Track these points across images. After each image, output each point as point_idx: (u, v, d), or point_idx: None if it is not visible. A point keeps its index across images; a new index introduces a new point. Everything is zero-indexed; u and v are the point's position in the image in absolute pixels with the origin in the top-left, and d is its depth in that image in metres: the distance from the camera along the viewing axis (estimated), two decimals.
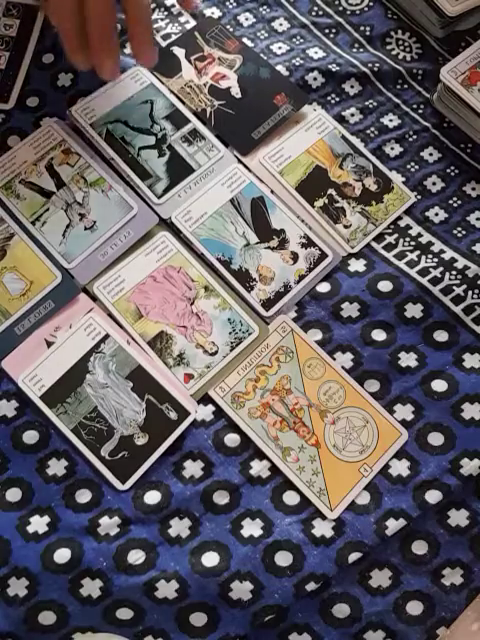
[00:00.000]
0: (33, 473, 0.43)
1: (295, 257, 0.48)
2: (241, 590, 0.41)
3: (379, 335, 0.47)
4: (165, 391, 0.44)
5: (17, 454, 0.43)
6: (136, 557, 0.41)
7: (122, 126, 0.50)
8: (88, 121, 0.50)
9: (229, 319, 0.46)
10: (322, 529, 0.42)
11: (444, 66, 0.52)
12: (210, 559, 0.41)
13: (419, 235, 0.50)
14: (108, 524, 0.42)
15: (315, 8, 0.57)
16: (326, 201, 0.50)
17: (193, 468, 0.43)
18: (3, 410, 0.44)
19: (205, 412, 0.44)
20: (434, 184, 0.52)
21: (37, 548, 0.41)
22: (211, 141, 0.51)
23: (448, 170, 0.53)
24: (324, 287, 0.48)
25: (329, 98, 0.54)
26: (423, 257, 0.49)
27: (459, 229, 0.51)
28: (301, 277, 0.48)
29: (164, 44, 0.54)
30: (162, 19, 0.55)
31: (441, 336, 0.47)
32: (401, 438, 0.44)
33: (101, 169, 0.49)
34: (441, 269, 0.49)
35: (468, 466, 0.44)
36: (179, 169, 0.50)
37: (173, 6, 0.56)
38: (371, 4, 0.57)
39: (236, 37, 0.54)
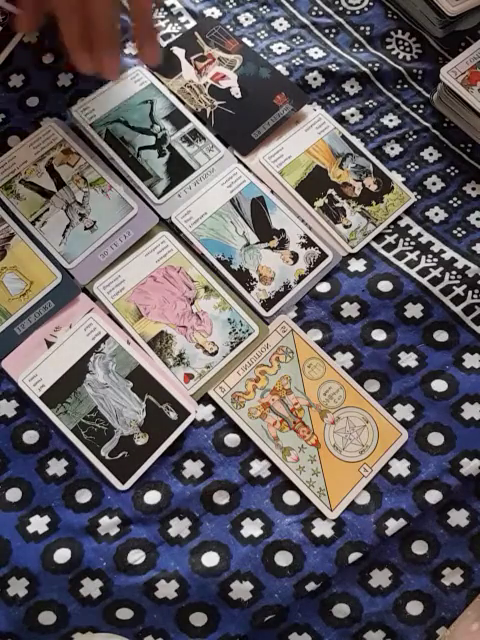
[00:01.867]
0: (33, 473, 0.43)
1: (295, 257, 0.48)
2: (241, 590, 0.41)
3: (379, 335, 0.47)
4: (165, 391, 0.44)
5: (17, 454, 0.43)
6: (136, 557, 0.41)
7: (122, 126, 0.50)
8: (88, 121, 0.50)
9: (229, 319, 0.46)
10: (322, 529, 0.42)
11: (444, 66, 0.52)
12: (210, 559, 0.41)
13: (419, 235, 0.50)
14: (108, 524, 0.42)
15: (315, 8, 0.57)
16: (326, 201, 0.50)
17: (193, 468, 0.43)
18: (3, 410, 0.44)
19: (205, 412, 0.44)
20: (434, 184, 0.52)
21: (37, 548, 0.41)
22: (211, 141, 0.51)
23: (448, 170, 0.53)
24: (324, 287, 0.48)
25: (329, 98, 0.54)
26: (423, 257, 0.49)
27: (459, 229, 0.51)
28: (301, 277, 0.48)
29: (164, 44, 0.54)
30: (162, 19, 0.55)
31: (441, 336, 0.47)
32: (401, 438, 0.44)
33: (101, 169, 0.49)
34: (441, 269, 0.49)
35: (468, 466, 0.44)
36: (179, 169, 0.50)
37: (173, 6, 0.56)
38: (371, 4, 0.58)
39: (236, 37, 0.54)
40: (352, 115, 0.54)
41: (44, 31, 0.53)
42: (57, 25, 0.44)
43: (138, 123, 0.51)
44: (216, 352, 0.45)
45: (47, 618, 0.40)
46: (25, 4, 0.47)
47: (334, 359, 0.46)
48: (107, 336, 0.45)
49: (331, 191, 0.51)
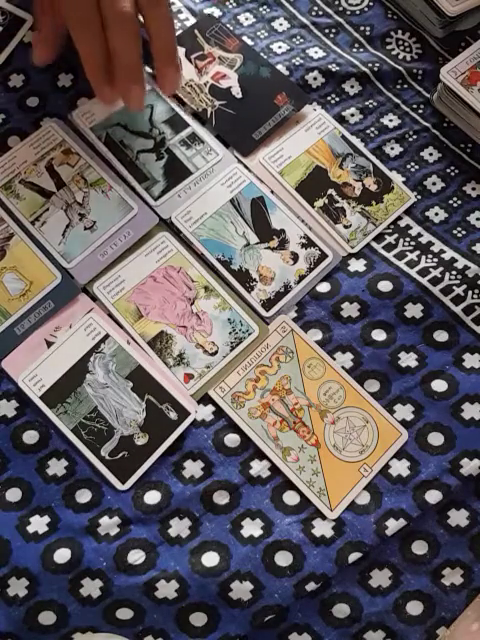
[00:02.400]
0: (33, 473, 0.43)
1: (295, 257, 0.48)
2: (241, 590, 0.41)
3: (379, 335, 0.47)
4: (165, 391, 0.44)
5: (17, 454, 0.43)
6: (136, 557, 0.41)
7: (121, 130, 0.50)
8: (88, 125, 0.50)
9: (229, 319, 0.46)
10: (322, 529, 0.42)
11: (444, 66, 0.52)
12: (210, 559, 0.41)
13: (419, 235, 0.50)
14: (108, 524, 0.42)
15: (315, 8, 0.57)
16: (326, 201, 0.50)
17: (193, 468, 0.43)
18: (3, 410, 0.44)
19: (205, 412, 0.44)
20: (434, 184, 0.52)
21: (37, 548, 0.41)
22: (210, 144, 0.51)
23: (448, 170, 0.53)
24: (324, 287, 0.48)
25: (329, 98, 0.54)
26: (423, 257, 0.49)
27: (459, 229, 0.51)
28: (301, 277, 0.48)
29: None
30: None
31: (441, 336, 0.47)
32: (401, 438, 0.44)
33: (101, 169, 0.49)
34: (441, 269, 0.49)
35: (468, 466, 0.44)
36: (176, 172, 0.50)
37: (172, 4, 0.56)
38: (371, 4, 0.57)
39: (236, 35, 0.54)
40: (352, 115, 0.54)
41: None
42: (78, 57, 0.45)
43: (137, 127, 0.51)
44: (216, 352, 0.45)
45: (47, 618, 0.40)
46: (43, 34, 0.47)
47: (334, 359, 0.46)
48: (107, 336, 0.45)
49: (331, 191, 0.51)
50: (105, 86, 0.45)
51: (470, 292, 0.48)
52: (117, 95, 0.46)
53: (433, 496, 0.43)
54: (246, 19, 0.56)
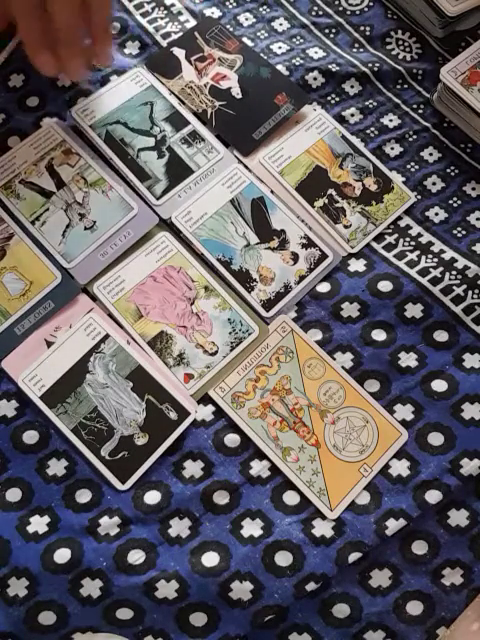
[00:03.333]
0: (33, 473, 0.43)
1: (295, 257, 0.48)
2: (241, 590, 0.41)
3: (379, 335, 0.47)
4: (165, 391, 0.44)
5: (17, 454, 0.43)
6: (136, 557, 0.41)
7: (122, 128, 0.50)
8: (88, 122, 0.50)
9: (229, 319, 0.46)
10: (322, 529, 0.42)
11: (444, 66, 0.52)
12: (210, 559, 0.41)
13: (419, 235, 0.50)
14: (108, 524, 0.42)
15: (315, 8, 0.57)
16: (326, 201, 0.50)
17: (193, 468, 0.43)
18: (3, 410, 0.44)
19: (205, 412, 0.44)
20: (434, 184, 0.52)
21: (37, 548, 0.41)
22: (211, 142, 0.51)
23: (448, 170, 0.53)
24: (324, 287, 0.48)
25: (329, 98, 0.54)
26: (423, 257, 0.49)
27: (459, 229, 0.51)
28: (301, 277, 0.48)
29: (164, 43, 0.54)
30: (162, 18, 0.55)
31: (441, 336, 0.47)
32: (401, 438, 0.44)
33: (101, 169, 0.49)
34: (441, 269, 0.49)
35: (468, 466, 0.44)
36: (178, 170, 0.50)
37: (173, 5, 0.56)
38: (371, 4, 0.58)
39: (236, 37, 0.54)
40: (352, 115, 0.54)
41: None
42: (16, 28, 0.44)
43: (138, 125, 0.51)
44: (216, 352, 0.45)
45: (47, 618, 0.40)
46: None
47: (334, 359, 0.46)
48: (107, 336, 0.45)
49: (331, 191, 0.51)
50: (43, 53, 0.44)
51: (470, 292, 0.48)
52: (55, 64, 0.44)
53: (433, 496, 0.43)
54: (246, 19, 0.56)
